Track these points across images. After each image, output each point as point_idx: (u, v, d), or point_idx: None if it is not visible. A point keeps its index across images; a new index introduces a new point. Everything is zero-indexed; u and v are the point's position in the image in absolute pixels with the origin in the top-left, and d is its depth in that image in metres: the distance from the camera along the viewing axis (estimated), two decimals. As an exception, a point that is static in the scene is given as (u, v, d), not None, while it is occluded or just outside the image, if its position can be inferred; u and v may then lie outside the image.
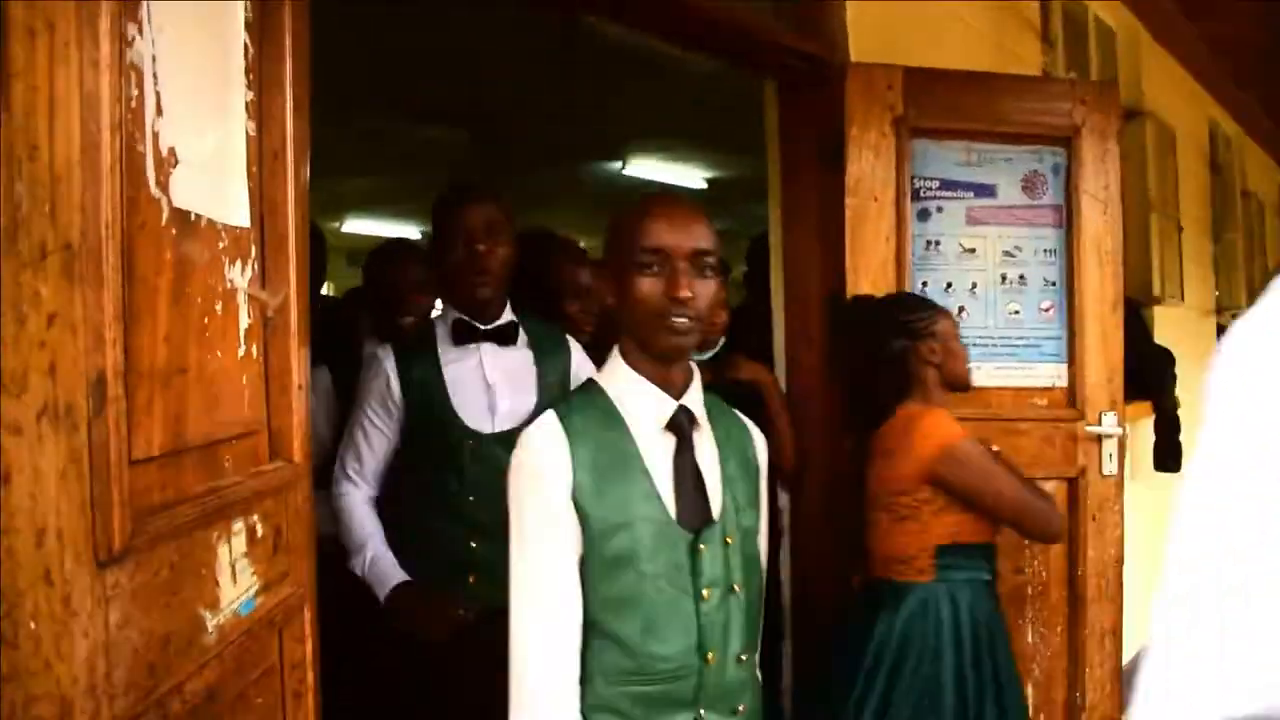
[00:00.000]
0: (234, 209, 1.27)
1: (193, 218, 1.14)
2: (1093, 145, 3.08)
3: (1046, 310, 3.12)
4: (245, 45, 1.32)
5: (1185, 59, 6.24)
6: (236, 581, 1.22)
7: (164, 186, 1.07)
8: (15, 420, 0.79)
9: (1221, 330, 6.79)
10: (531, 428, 1.49)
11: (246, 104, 1.33)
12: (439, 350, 2.28)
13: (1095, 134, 3.09)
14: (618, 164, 8.35)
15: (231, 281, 1.26)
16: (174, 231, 1.10)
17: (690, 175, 8.83)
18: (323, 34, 1.63)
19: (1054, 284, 3.12)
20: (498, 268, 2.26)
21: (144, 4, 1.03)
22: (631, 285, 1.47)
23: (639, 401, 1.52)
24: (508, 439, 1.91)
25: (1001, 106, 3.03)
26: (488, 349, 2.28)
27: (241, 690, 1.23)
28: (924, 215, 3.04)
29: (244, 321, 1.30)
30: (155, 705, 0.97)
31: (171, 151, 1.09)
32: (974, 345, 2.92)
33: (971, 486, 2.28)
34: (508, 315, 2.34)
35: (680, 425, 1.52)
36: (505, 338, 2.29)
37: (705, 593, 1.49)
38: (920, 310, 2.51)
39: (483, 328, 2.28)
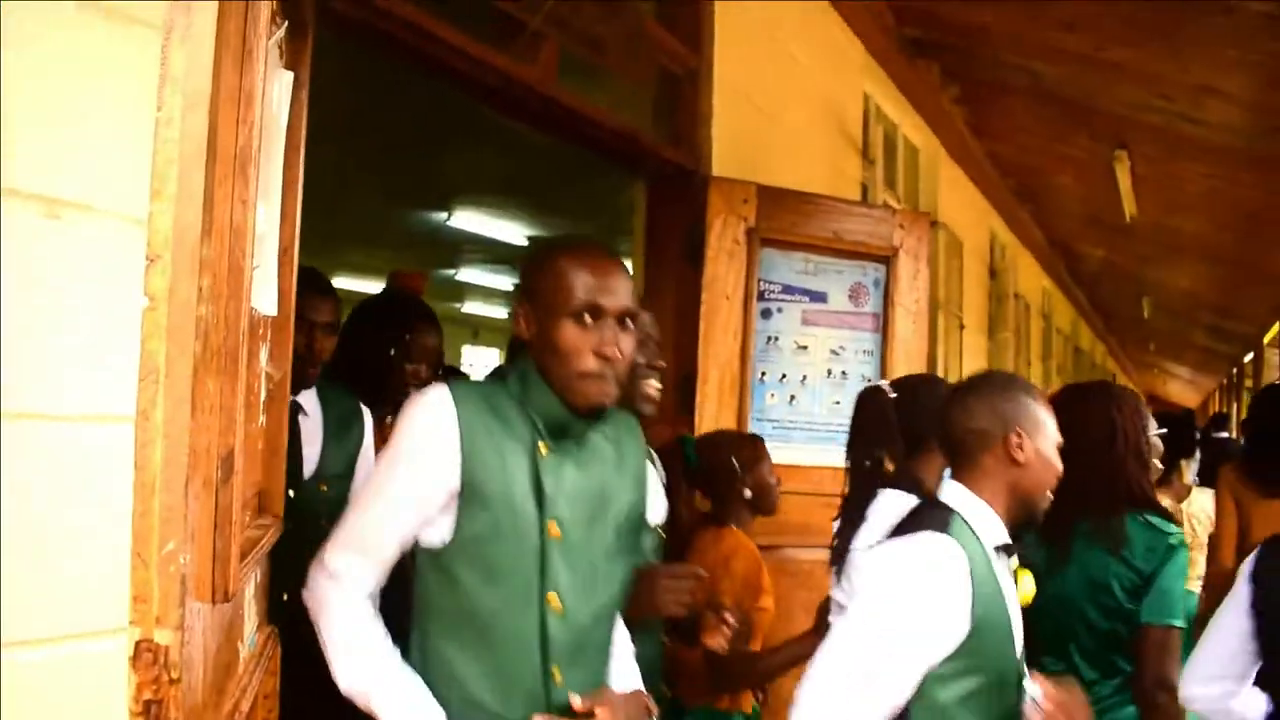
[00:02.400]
0: (270, 301, 1.48)
1: (253, 311, 1.36)
2: (907, 265, 3.59)
3: (864, 403, 3.58)
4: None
5: (974, 175, 7.07)
6: (250, 620, 1.42)
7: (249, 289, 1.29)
8: (197, 489, 1.01)
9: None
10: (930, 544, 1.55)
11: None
12: None
13: (910, 255, 3.60)
14: (443, 215, 8.54)
15: (262, 363, 1.47)
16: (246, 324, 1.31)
17: (513, 231, 9.11)
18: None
19: (870, 380, 3.59)
20: None
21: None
22: None
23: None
24: None
25: (836, 226, 3.50)
26: None
27: (248, 717, 1.42)
28: (766, 314, 3.45)
29: (262, 395, 1.50)
30: (232, 723, 1.18)
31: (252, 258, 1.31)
32: (801, 429, 3.39)
33: None
34: None
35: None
36: None
37: None
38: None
39: None
